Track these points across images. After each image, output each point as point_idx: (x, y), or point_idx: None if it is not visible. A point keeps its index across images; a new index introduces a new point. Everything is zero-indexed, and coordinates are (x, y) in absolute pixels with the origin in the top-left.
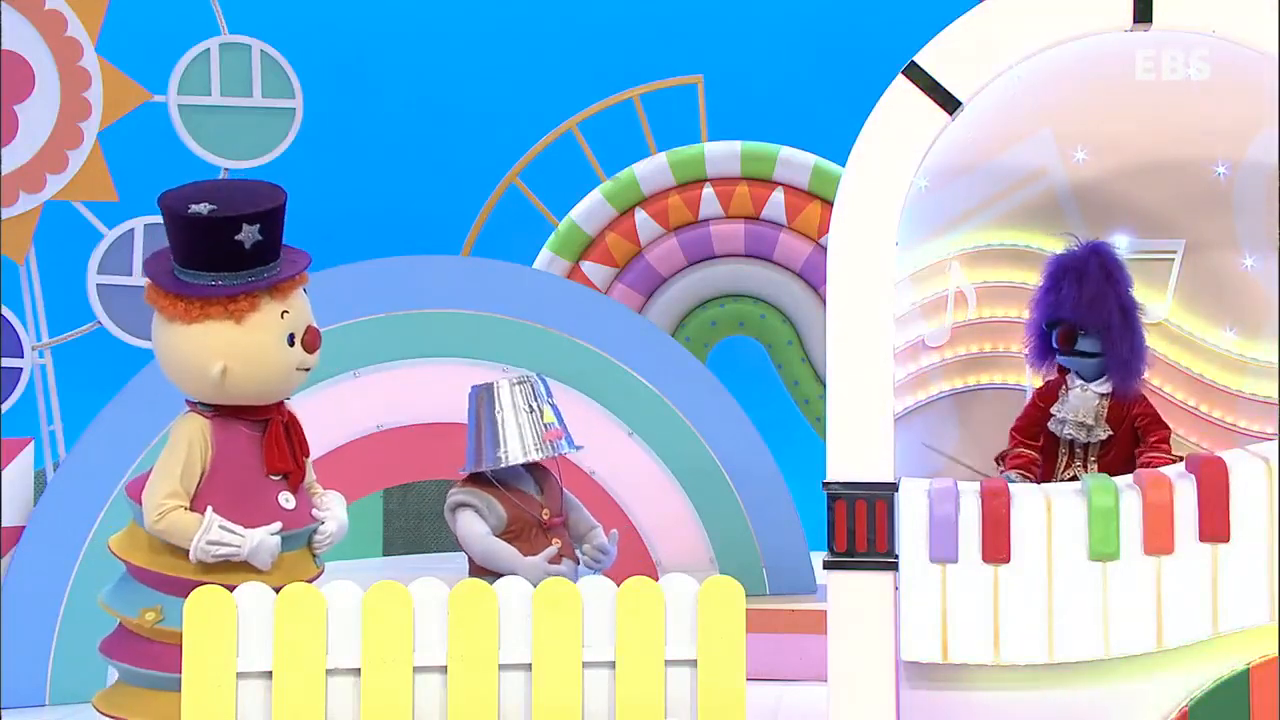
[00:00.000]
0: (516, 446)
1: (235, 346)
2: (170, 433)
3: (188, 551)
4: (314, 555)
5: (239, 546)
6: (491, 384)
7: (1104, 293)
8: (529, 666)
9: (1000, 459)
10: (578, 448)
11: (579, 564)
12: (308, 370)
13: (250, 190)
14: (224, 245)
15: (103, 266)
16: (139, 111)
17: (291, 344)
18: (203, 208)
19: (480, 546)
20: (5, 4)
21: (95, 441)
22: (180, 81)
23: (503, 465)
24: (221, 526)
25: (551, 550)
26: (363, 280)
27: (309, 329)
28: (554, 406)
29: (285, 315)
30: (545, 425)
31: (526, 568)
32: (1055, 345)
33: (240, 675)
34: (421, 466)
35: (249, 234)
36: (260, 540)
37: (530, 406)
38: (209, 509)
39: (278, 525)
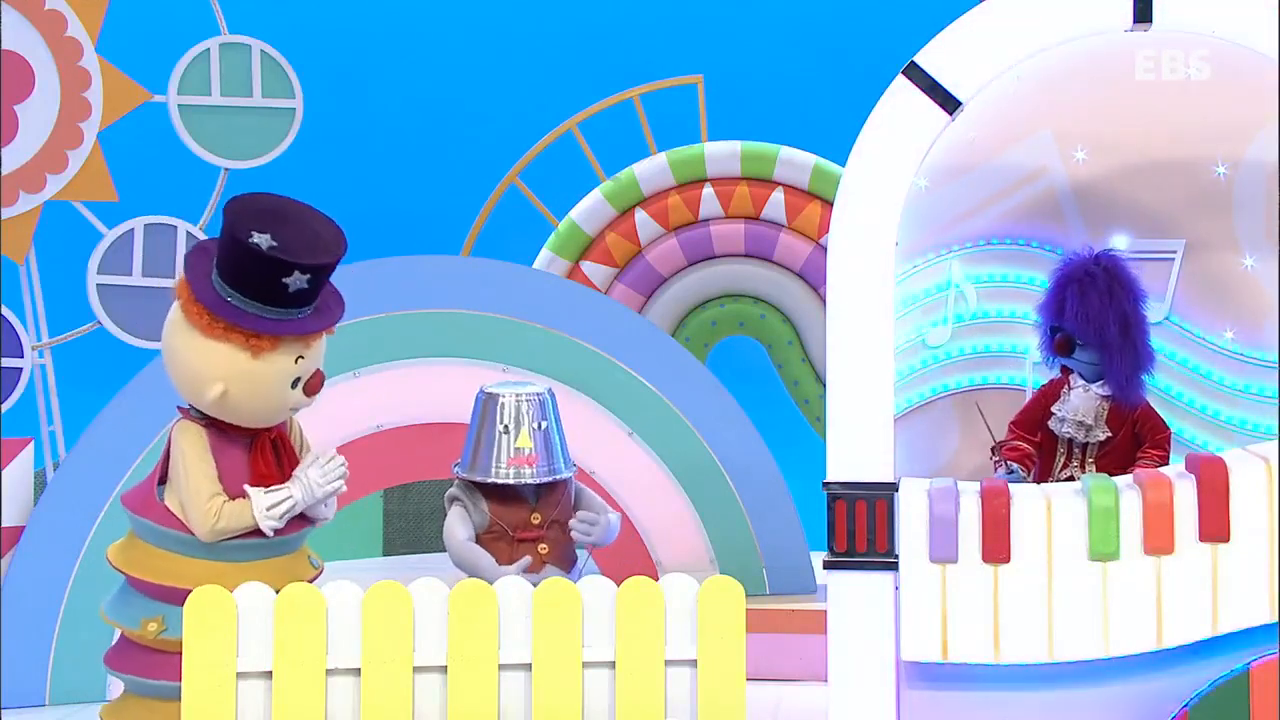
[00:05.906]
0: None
1: (242, 376)
2: (175, 444)
3: (189, 558)
4: (312, 546)
5: (293, 495)
6: (498, 394)
7: (1104, 311)
8: (529, 666)
9: (996, 449)
10: (570, 468)
11: (569, 570)
12: (297, 410)
13: (316, 235)
14: (270, 283)
15: (103, 266)
16: (139, 111)
17: (294, 386)
18: (263, 241)
19: (456, 550)
20: (5, 4)
21: (95, 441)
22: (180, 81)
23: (487, 480)
24: (266, 492)
25: (524, 561)
26: (363, 280)
27: (315, 373)
28: (545, 431)
29: (299, 360)
30: (515, 450)
31: (499, 577)
32: (1054, 351)
33: (240, 675)
34: (421, 466)
35: (297, 280)
36: (305, 479)
37: (506, 427)
38: (245, 486)
39: (314, 456)
